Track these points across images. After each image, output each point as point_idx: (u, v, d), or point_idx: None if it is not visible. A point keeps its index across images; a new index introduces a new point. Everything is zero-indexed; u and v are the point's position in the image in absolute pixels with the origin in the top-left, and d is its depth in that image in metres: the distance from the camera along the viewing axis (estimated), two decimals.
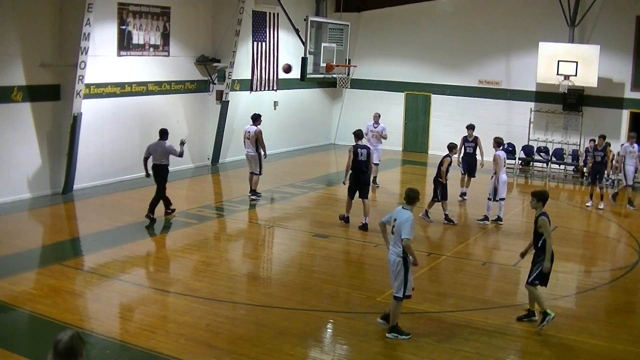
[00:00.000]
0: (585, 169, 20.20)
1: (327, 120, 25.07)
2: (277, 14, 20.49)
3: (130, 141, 17.21)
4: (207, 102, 19.65)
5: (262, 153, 15.35)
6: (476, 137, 16.37)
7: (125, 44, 16.67)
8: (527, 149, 21.55)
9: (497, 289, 10.47)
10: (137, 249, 11.69)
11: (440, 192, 14.20)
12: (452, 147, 14.49)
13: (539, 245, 8.76)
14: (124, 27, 16.55)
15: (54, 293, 9.41)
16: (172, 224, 13.51)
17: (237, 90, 20.25)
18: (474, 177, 16.34)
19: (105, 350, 7.77)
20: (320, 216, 14.57)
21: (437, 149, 23.65)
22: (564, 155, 21.22)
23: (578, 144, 21.09)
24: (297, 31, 18.94)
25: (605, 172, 17.21)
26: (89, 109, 15.50)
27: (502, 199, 14.17)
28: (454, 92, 23.13)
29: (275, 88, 21.49)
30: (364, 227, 13.27)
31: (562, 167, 21.28)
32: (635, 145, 16.41)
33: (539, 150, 21.51)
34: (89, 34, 14.70)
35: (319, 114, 24.69)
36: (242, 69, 20.15)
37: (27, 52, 14.36)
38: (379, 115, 17.98)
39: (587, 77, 19.69)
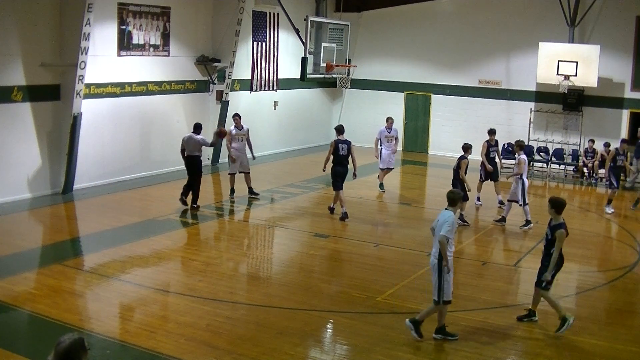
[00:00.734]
0: (585, 169, 20.26)
1: (327, 120, 25.06)
2: (277, 14, 20.50)
3: (130, 141, 17.23)
4: (207, 102, 19.65)
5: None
6: (497, 141, 16.09)
7: (125, 44, 16.67)
8: (527, 149, 21.44)
9: (497, 289, 10.47)
10: (137, 249, 11.68)
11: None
12: (467, 148, 14.05)
13: (550, 251, 8.65)
14: (124, 27, 16.55)
15: (54, 293, 9.41)
16: (173, 223, 13.50)
17: (237, 90, 20.26)
18: (497, 181, 15.92)
19: (105, 350, 7.77)
20: (320, 216, 14.57)
21: (437, 149, 23.70)
22: (564, 155, 21.22)
23: (578, 144, 21.10)
24: (297, 31, 18.95)
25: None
26: (89, 109, 15.51)
27: (517, 202, 13.98)
28: (454, 92, 23.14)
29: (275, 88, 21.50)
30: (331, 211, 14.45)
31: (562, 167, 21.28)
32: None
33: (539, 150, 21.51)
34: (89, 34, 14.71)
35: (319, 114, 24.69)
36: (242, 69, 20.16)
37: (27, 52, 14.36)
38: (393, 120, 17.46)
39: (587, 77, 19.70)
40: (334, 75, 20.92)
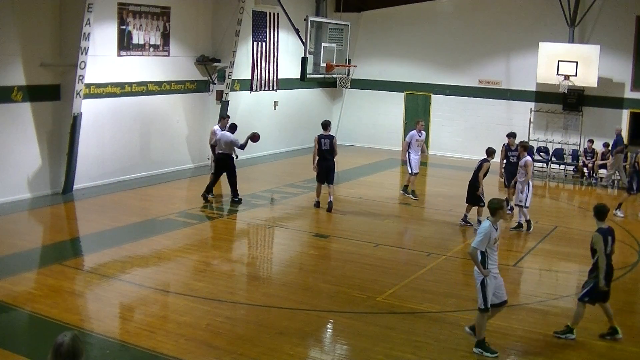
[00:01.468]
0: (585, 169, 20.26)
1: None
2: (277, 14, 20.50)
3: (130, 141, 17.23)
4: (207, 102, 19.65)
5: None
6: (517, 145, 15.23)
7: (125, 44, 16.67)
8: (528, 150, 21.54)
9: None
10: (137, 249, 11.68)
11: (473, 196, 13.74)
12: (491, 152, 13.81)
13: (594, 260, 8.49)
14: (124, 27, 16.55)
15: (54, 293, 9.41)
16: (173, 223, 13.49)
17: (237, 90, 20.26)
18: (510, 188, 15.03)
19: (105, 350, 7.77)
20: (320, 216, 14.58)
21: (437, 148, 23.70)
22: (564, 155, 21.22)
23: (578, 144, 21.10)
24: (297, 31, 18.95)
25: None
26: (89, 109, 15.51)
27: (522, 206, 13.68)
28: (454, 92, 23.14)
29: (275, 88, 21.51)
30: (329, 207, 14.65)
31: (562, 167, 21.28)
32: None
33: (539, 150, 21.51)
34: (89, 34, 14.71)
35: (319, 114, 24.59)
36: (242, 69, 20.16)
37: (27, 52, 14.36)
38: (424, 123, 17.05)
39: (587, 77, 19.70)
40: (334, 75, 20.92)
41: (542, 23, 21.23)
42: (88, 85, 15.47)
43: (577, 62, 19.74)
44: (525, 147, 14.06)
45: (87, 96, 15.51)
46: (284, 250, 12.72)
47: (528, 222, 13.75)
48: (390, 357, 7.84)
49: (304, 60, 18.61)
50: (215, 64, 19.25)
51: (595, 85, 19.78)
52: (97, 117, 16.01)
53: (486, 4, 22.45)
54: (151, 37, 17.44)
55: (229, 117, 16.07)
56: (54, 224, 13.58)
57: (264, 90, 21.07)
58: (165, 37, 17.89)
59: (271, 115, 22.10)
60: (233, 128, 15.09)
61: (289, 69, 21.34)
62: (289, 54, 21.48)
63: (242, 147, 14.98)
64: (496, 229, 7.96)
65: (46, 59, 14.76)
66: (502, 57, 22.27)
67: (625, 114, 20.54)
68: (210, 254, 11.82)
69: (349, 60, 21.60)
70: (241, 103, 20.35)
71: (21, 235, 12.39)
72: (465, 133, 22.90)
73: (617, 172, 18.93)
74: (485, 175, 13.72)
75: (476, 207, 13.87)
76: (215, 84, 19.59)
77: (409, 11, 23.65)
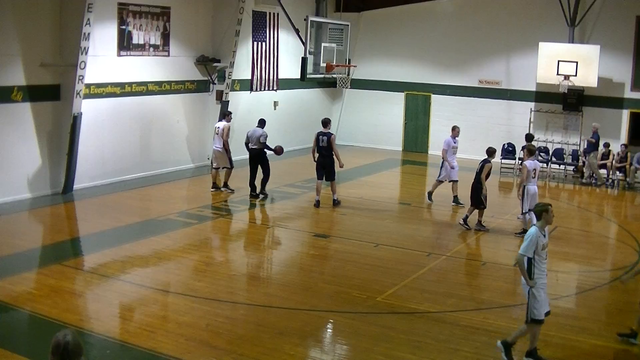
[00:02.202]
0: (585, 169, 20.25)
1: None
2: (277, 14, 20.50)
3: (130, 141, 17.22)
4: (207, 102, 19.65)
5: (227, 150, 16.00)
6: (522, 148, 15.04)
7: (125, 44, 16.66)
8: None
9: (497, 289, 10.46)
10: (137, 249, 11.68)
11: (476, 198, 13.48)
12: (491, 152, 13.61)
13: None
14: (124, 27, 16.55)
15: (54, 293, 9.41)
16: (173, 223, 13.50)
17: (237, 90, 20.26)
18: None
19: (105, 350, 7.77)
20: (320, 216, 14.58)
21: (437, 149, 23.60)
22: (564, 155, 21.22)
23: (578, 144, 21.09)
24: (297, 31, 18.95)
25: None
26: (89, 109, 15.51)
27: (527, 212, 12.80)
28: (454, 92, 23.13)
29: (275, 88, 21.51)
30: (335, 203, 14.99)
31: (562, 167, 21.27)
32: None
33: (539, 150, 21.48)
34: (89, 34, 14.70)
35: (319, 114, 24.52)
36: (242, 69, 20.16)
37: (27, 52, 14.36)
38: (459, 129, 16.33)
39: (587, 77, 19.69)
40: (334, 75, 20.91)
41: (542, 23, 21.22)
42: (88, 85, 15.47)
43: (577, 62, 19.73)
44: (531, 152, 13.28)
45: (87, 96, 15.51)
46: (284, 250, 12.72)
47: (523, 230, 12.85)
48: (390, 357, 7.85)
49: (304, 60, 18.61)
50: (215, 64, 19.25)
51: (595, 85, 19.77)
52: (97, 117, 16.01)
53: (486, 4, 22.45)
54: (151, 37, 17.44)
55: (230, 112, 16.57)
56: (54, 224, 13.57)
57: (264, 90, 21.07)
58: (165, 37, 17.89)
59: (271, 115, 22.03)
60: (262, 123, 15.70)
61: (289, 69, 21.34)
62: (289, 54, 21.48)
63: (266, 147, 15.62)
64: (544, 235, 7.56)
65: (46, 59, 14.76)
66: (502, 57, 22.27)
67: (625, 114, 20.53)
68: (210, 254, 11.82)
69: (349, 60, 21.60)
70: (241, 103, 20.35)
71: (21, 235, 12.39)
72: (465, 133, 22.71)
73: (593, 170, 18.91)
74: (488, 176, 13.57)
75: (478, 210, 13.69)
76: (215, 84, 19.58)
77: (409, 11, 23.64)
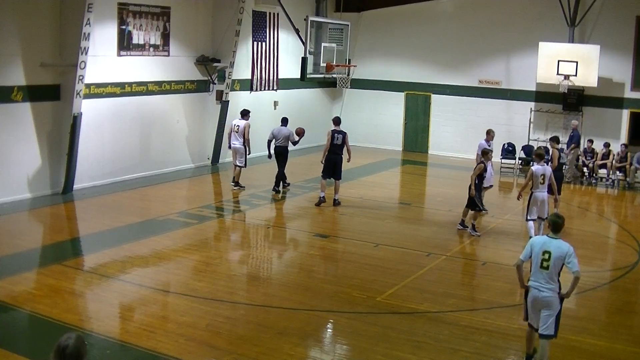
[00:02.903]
0: (585, 169, 20.25)
1: (327, 120, 24.91)
2: (277, 14, 20.50)
3: (130, 141, 17.22)
4: (207, 102, 19.65)
5: (247, 147, 16.24)
6: (561, 148, 14.13)
7: (125, 44, 16.66)
8: (527, 149, 21.52)
9: (497, 289, 10.46)
10: (137, 249, 11.68)
11: (470, 200, 13.25)
12: (486, 153, 13.44)
13: None
14: (124, 27, 16.55)
15: (54, 293, 9.41)
16: (173, 223, 13.50)
17: (237, 90, 20.26)
18: (559, 194, 13.63)
19: (105, 350, 7.77)
20: (320, 216, 14.58)
21: (437, 149, 23.70)
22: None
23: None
24: (297, 31, 18.95)
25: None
26: (89, 109, 15.50)
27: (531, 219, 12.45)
28: (454, 92, 23.13)
29: (275, 88, 21.51)
30: (336, 203, 14.98)
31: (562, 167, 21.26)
32: None
33: None
34: (89, 34, 14.70)
35: (319, 114, 24.67)
36: (242, 69, 20.16)
37: (27, 52, 14.36)
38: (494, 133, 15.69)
39: (587, 77, 19.69)
40: (334, 75, 20.92)
41: (542, 23, 21.22)
42: (88, 85, 15.47)
43: (577, 62, 19.73)
44: (540, 156, 12.56)
45: (87, 96, 15.51)
46: (284, 250, 12.72)
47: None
48: (390, 357, 7.85)
49: (304, 60, 18.61)
50: (215, 64, 19.24)
51: (595, 85, 19.77)
52: (97, 117, 16.01)
53: (486, 4, 22.45)
54: (151, 37, 17.43)
55: (249, 111, 16.77)
56: (54, 224, 13.57)
57: (264, 90, 21.07)
58: (165, 37, 17.88)
59: (271, 115, 22.07)
60: (285, 122, 16.26)
61: (289, 69, 21.34)
62: (289, 54, 21.48)
63: (295, 143, 16.19)
64: None
65: (46, 59, 14.76)
66: (502, 57, 22.27)
67: (625, 114, 20.53)
68: (210, 254, 11.82)
69: (349, 60, 21.60)
70: (241, 103, 20.31)
71: (21, 235, 12.38)
72: (465, 133, 22.86)
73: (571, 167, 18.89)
74: (480, 177, 13.29)
75: (473, 212, 13.56)
76: (215, 84, 19.58)
77: (409, 11, 23.64)
